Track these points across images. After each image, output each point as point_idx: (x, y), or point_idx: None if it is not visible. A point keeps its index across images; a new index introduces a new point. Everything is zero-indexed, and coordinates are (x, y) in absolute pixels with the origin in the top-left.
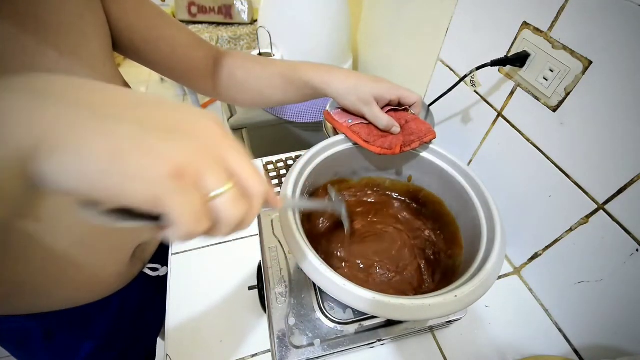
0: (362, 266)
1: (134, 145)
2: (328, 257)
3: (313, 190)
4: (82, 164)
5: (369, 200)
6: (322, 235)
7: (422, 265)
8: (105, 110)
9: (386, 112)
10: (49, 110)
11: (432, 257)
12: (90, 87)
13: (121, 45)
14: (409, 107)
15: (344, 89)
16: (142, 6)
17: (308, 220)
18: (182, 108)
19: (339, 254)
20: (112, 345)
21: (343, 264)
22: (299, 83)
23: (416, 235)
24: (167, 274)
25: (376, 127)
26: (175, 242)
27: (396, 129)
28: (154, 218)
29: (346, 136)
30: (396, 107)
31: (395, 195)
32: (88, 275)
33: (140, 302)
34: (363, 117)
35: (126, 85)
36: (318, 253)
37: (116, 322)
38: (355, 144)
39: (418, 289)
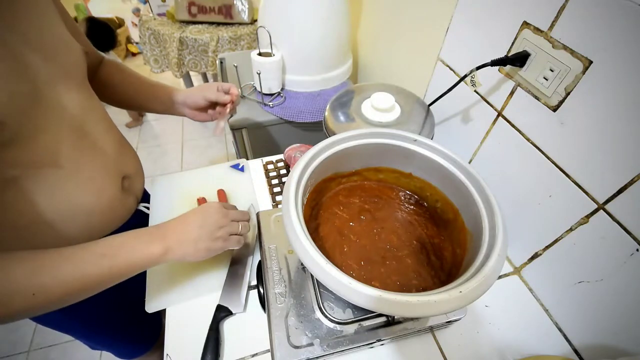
0: (365, 263)
1: (197, 239)
2: (331, 255)
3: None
4: (181, 255)
5: (371, 196)
6: (324, 233)
7: (425, 262)
8: (191, 233)
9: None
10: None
11: (435, 253)
12: (169, 227)
13: None
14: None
15: (195, 92)
16: (66, 17)
17: (311, 218)
18: (198, 209)
19: (345, 248)
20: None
21: (346, 262)
22: (162, 95)
23: (419, 232)
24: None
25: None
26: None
27: (227, 97)
28: None
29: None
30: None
31: (398, 191)
32: (84, 206)
33: None
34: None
35: (81, 49)
36: (321, 250)
37: None
38: None
39: (422, 286)
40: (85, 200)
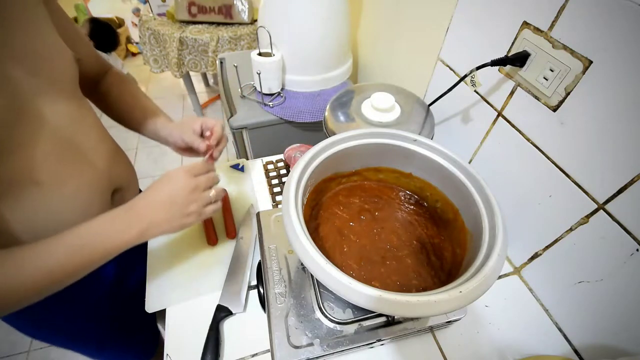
0: (365, 264)
1: (171, 218)
2: (331, 255)
3: (315, 189)
4: (156, 234)
5: (371, 196)
6: (324, 233)
7: (425, 262)
8: (163, 214)
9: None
10: (139, 223)
11: (435, 253)
12: (145, 202)
13: None
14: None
15: (176, 132)
16: (64, 22)
17: (311, 218)
18: (164, 181)
19: (345, 248)
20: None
21: (346, 262)
22: (150, 124)
23: (419, 232)
24: None
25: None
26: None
27: (203, 145)
28: None
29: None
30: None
31: (398, 191)
32: (69, 223)
33: (123, 264)
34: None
35: (73, 55)
36: (321, 250)
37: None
38: None
39: (422, 286)
40: (70, 217)
